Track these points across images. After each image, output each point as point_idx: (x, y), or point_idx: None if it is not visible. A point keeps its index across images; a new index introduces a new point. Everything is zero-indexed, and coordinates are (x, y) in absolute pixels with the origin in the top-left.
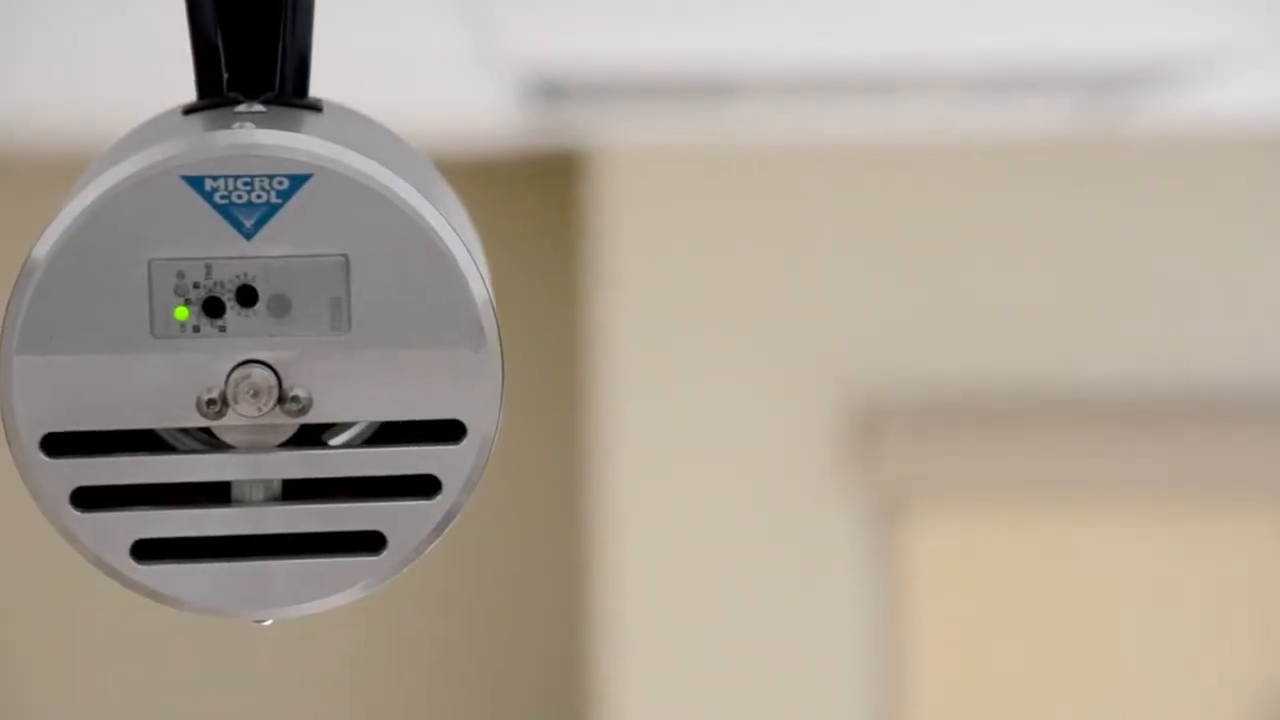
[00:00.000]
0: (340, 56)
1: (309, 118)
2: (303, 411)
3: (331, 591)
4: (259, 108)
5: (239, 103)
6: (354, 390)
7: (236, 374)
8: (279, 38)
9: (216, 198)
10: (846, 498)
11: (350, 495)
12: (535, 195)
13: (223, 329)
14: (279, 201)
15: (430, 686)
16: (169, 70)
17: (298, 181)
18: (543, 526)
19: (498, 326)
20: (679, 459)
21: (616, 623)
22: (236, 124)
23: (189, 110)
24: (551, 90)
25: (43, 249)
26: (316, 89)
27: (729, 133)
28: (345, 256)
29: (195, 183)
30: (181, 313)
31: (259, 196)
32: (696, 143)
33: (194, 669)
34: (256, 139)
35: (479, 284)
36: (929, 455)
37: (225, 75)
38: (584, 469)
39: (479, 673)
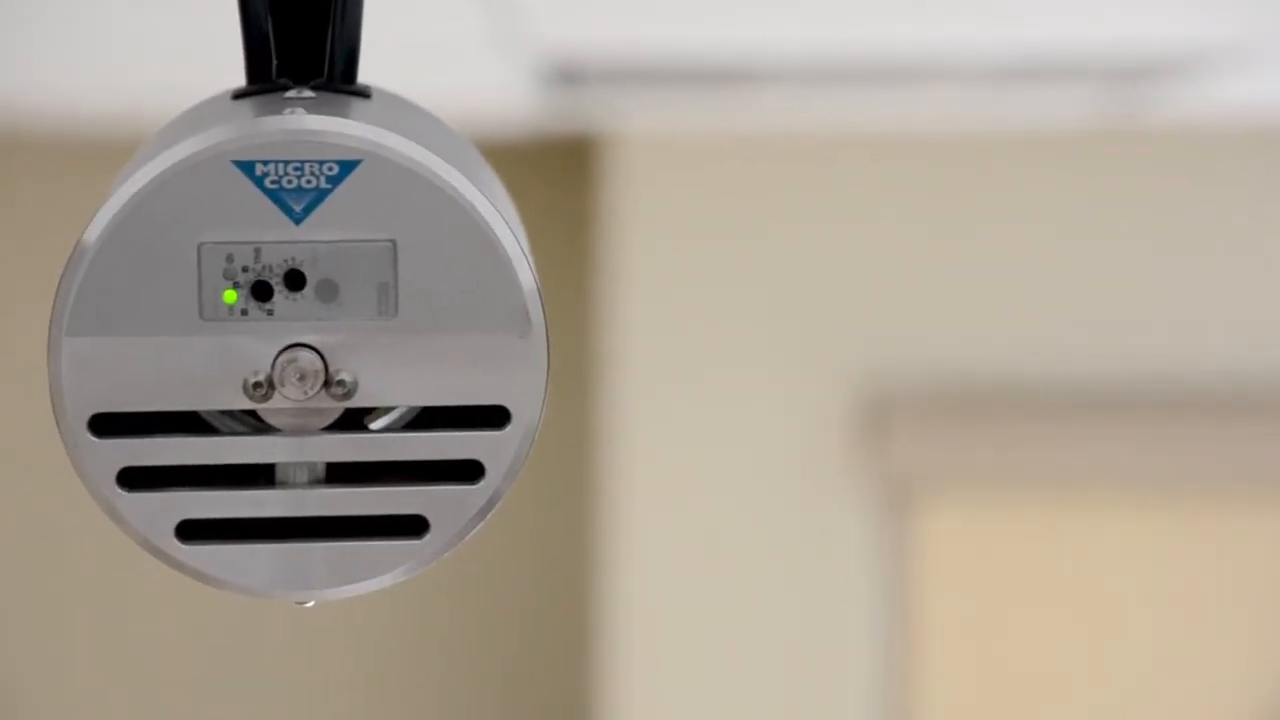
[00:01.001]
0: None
1: (358, 104)
2: (348, 395)
3: (373, 574)
4: (308, 93)
5: (288, 88)
6: (400, 375)
7: (283, 357)
8: (328, 24)
9: (267, 182)
10: (857, 489)
11: (393, 479)
12: (548, 181)
13: (270, 313)
14: (328, 187)
15: (441, 681)
16: (201, 55)
17: (347, 167)
18: (552, 517)
19: (544, 313)
20: (689, 450)
21: (626, 614)
22: (287, 109)
23: (238, 95)
24: (567, 75)
25: (93, 232)
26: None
27: (745, 121)
28: (393, 242)
29: (246, 167)
30: (230, 296)
31: (309, 182)
32: (711, 130)
33: (205, 662)
34: (307, 124)
35: (526, 271)
36: (939, 447)
37: (275, 61)
38: (593, 459)
39: (489, 666)
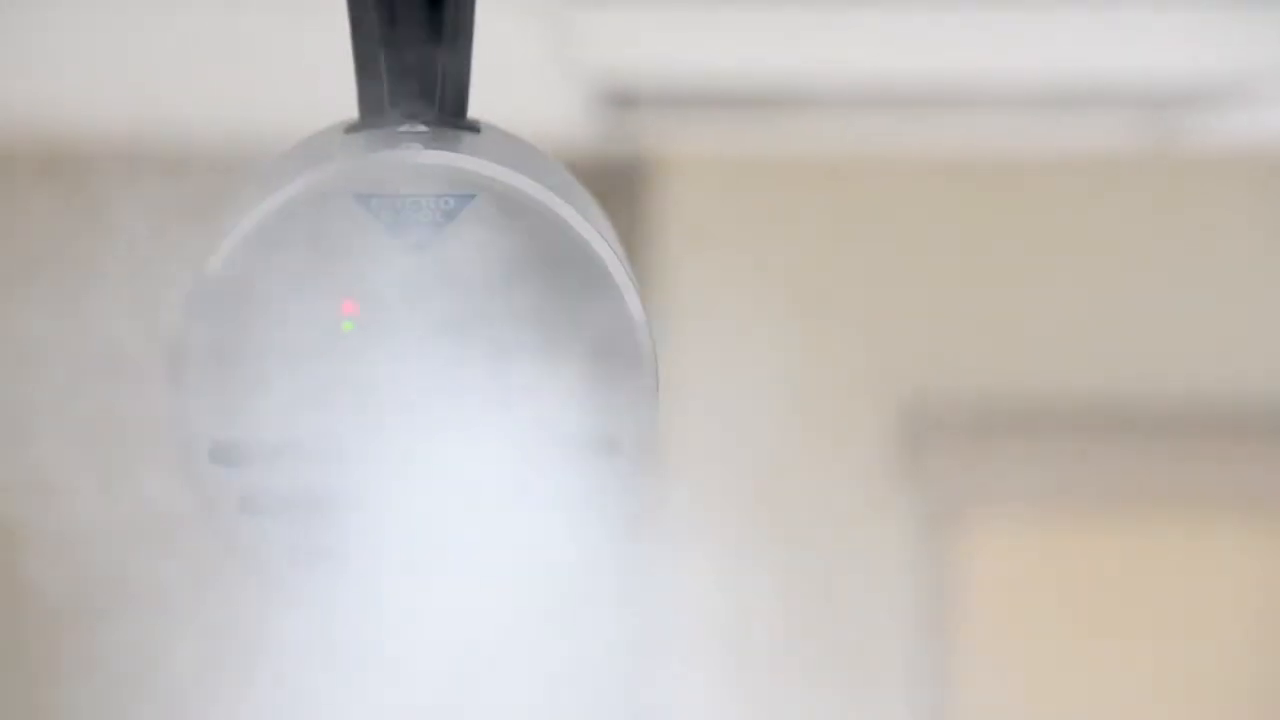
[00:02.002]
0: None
1: (469, 138)
2: None
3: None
4: (421, 127)
5: (400, 123)
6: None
7: None
8: (439, 58)
9: (384, 216)
10: (898, 509)
11: None
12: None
13: None
14: (444, 221)
15: None
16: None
17: (463, 201)
18: None
19: (654, 347)
20: (732, 469)
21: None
22: (404, 144)
23: (351, 129)
24: (617, 100)
25: (214, 262)
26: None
27: (792, 145)
28: (508, 275)
29: (364, 200)
30: (348, 327)
31: (425, 215)
32: (759, 154)
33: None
34: (424, 159)
35: (636, 303)
36: (982, 466)
37: (386, 95)
38: None
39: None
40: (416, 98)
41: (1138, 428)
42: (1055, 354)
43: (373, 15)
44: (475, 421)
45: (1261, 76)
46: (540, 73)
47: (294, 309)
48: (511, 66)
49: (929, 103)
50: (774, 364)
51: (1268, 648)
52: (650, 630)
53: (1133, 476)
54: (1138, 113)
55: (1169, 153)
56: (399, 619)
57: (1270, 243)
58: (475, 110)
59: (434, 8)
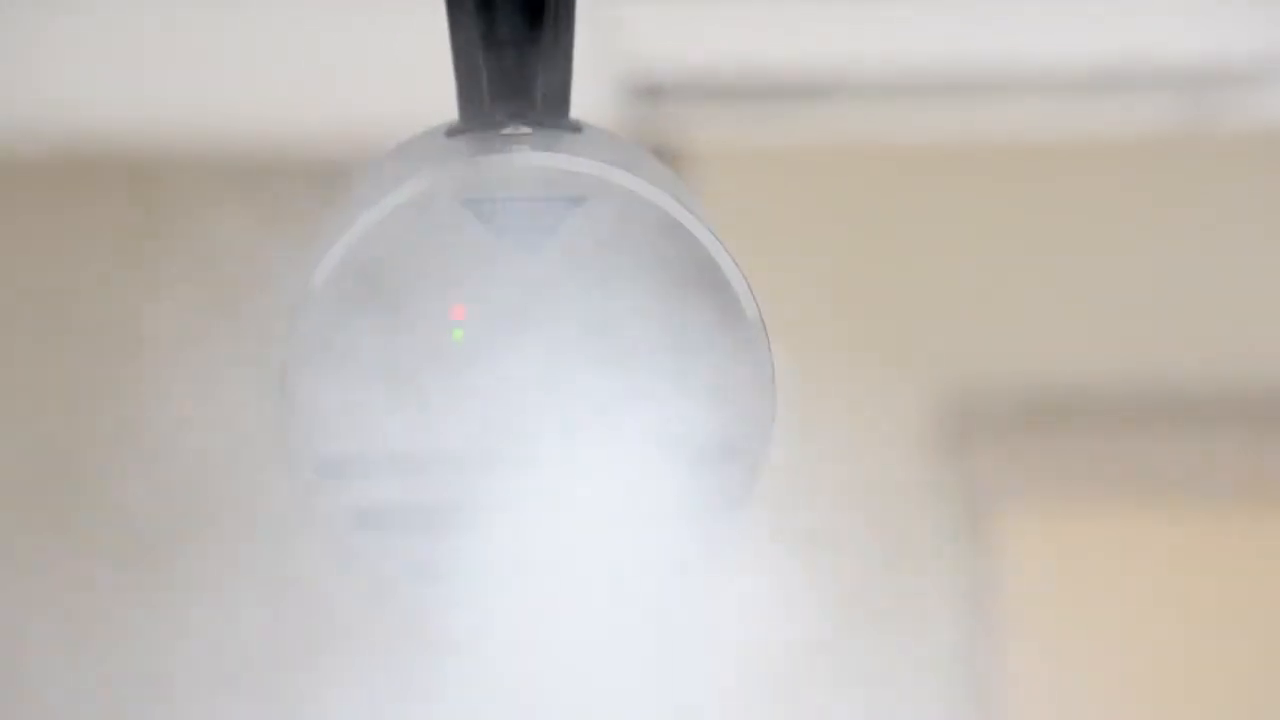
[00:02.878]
0: (434, 58)
1: (572, 139)
2: None
3: None
4: (525, 129)
5: (502, 124)
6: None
7: None
8: (540, 57)
9: (494, 219)
10: (939, 500)
11: None
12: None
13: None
14: (554, 224)
15: None
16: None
17: (573, 204)
18: None
19: (769, 343)
20: (769, 461)
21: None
22: (509, 147)
23: (453, 132)
24: (650, 90)
25: (322, 271)
26: (415, 92)
27: (823, 133)
28: (619, 278)
29: (471, 205)
30: (458, 335)
31: (535, 219)
32: (791, 143)
33: None
34: (531, 161)
35: (749, 300)
36: (1026, 455)
37: (486, 96)
38: None
39: None
40: (518, 98)
41: (1185, 416)
42: (1101, 341)
43: (472, 16)
44: (589, 428)
45: None
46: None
47: (402, 318)
48: None
49: (963, 89)
50: (811, 354)
51: None
52: (696, 620)
53: (1178, 466)
54: (1174, 94)
55: (1209, 134)
56: (513, 629)
57: None
58: None
59: (534, 7)
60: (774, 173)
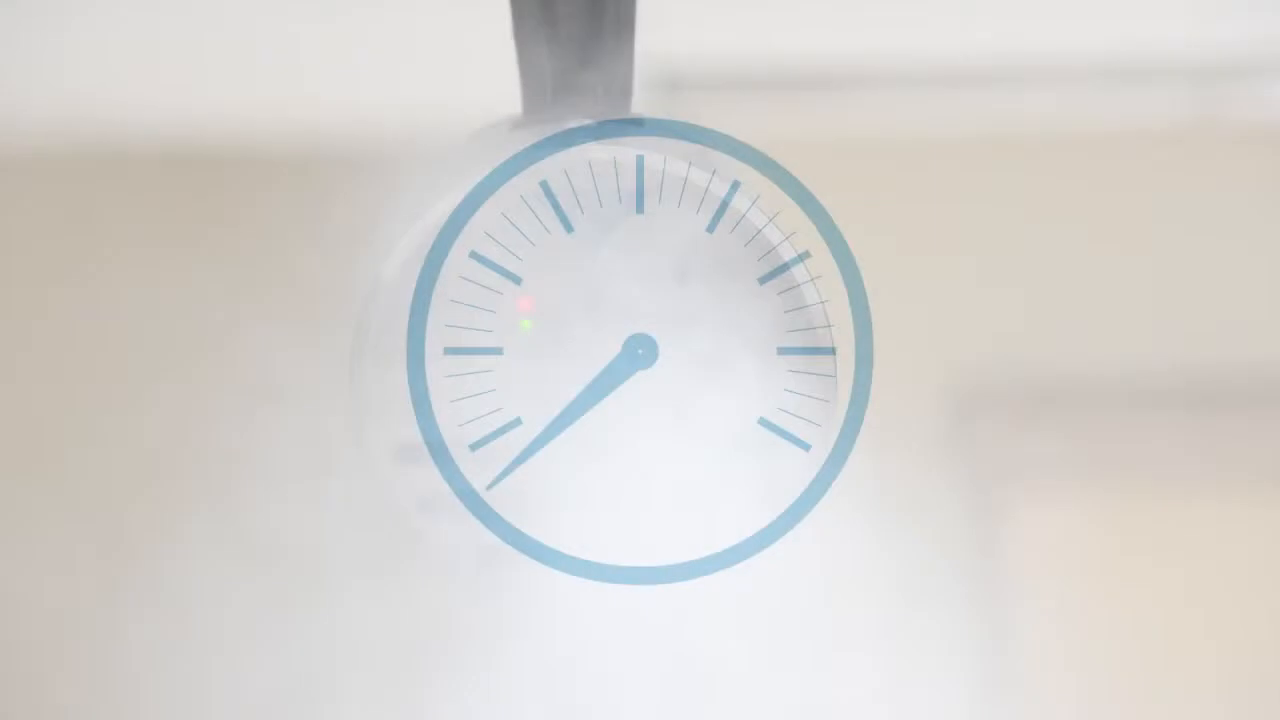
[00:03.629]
0: (453, 49)
1: (638, 129)
2: None
3: None
4: (588, 120)
5: (566, 116)
6: None
7: None
8: (603, 50)
9: (560, 208)
10: (945, 490)
11: None
12: None
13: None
14: (622, 214)
15: None
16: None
17: (642, 194)
18: None
19: (833, 336)
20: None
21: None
22: (575, 140)
23: (518, 124)
24: (665, 84)
25: (394, 261)
26: (428, 83)
27: (836, 125)
28: (689, 266)
29: (539, 197)
30: (526, 325)
31: (600, 208)
32: (807, 135)
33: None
34: (596, 154)
35: (814, 292)
36: (1033, 438)
37: (550, 88)
38: None
39: None
40: (582, 91)
41: (1192, 401)
42: (1109, 326)
43: (536, 9)
44: (659, 416)
45: None
46: None
47: (471, 307)
48: None
49: (969, 82)
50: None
51: None
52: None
53: (1189, 451)
54: (1189, 85)
55: (1223, 124)
56: (584, 614)
57: None
58: (510, 98)
59: (596, 5)
60: (788, 164)
